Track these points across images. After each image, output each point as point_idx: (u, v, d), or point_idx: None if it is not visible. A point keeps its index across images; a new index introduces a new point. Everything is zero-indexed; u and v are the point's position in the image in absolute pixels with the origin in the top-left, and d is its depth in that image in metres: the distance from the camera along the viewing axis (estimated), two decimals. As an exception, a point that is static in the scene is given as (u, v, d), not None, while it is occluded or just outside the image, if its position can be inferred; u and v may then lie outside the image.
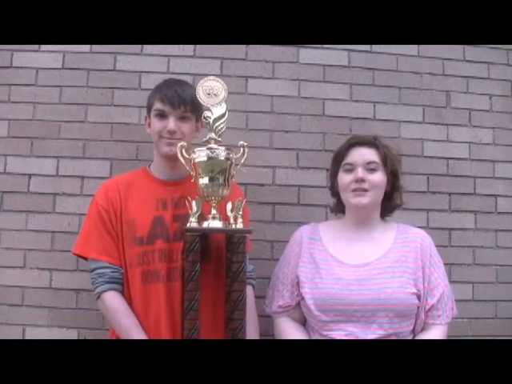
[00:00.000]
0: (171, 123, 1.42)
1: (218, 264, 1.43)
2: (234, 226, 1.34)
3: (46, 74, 1.87)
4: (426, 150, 1.95)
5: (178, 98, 1.41)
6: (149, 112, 1.50)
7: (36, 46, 1.87)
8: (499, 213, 1.95)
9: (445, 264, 1.46)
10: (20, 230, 1.80)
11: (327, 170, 1.63)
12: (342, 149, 1.45)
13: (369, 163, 1.39)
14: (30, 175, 1.83)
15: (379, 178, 1.40)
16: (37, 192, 1.82)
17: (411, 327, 1.37)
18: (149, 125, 1.51)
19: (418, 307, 1.36)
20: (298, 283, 1.41)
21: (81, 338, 1.77)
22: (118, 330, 1.41)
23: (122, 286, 1.43)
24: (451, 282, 1.45)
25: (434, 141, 1.95)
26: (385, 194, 1.44)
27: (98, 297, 1.42)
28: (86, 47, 1.87)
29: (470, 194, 1.94)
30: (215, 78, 1.37)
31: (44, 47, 1.87)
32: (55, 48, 1.86)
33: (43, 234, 1.80)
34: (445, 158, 1.95)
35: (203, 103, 1.35)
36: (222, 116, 1.34)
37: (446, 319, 1.38)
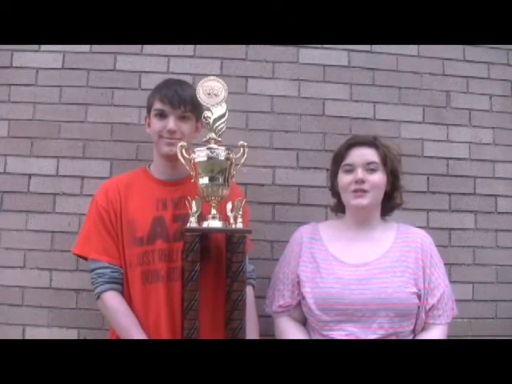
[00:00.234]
0: (171, 123, 1.42)
1: (217, 264, 1.43)
2: (233, 226, 1.34)
3: (45, 74, 1.87)
4: (426, 149, 1.95)
5: (178, 98, 1.42)
6: (149, 112, 1.50)
7: (36, 46, 1.87)
8: (499, 213, 1.95)
9: (445, 264, 1.46)
10: (20, 230, 1.80)
11: (327, 170, 1.63)
12: (342, 149, 1.45)
13: (368, 163, 1.39)
14: (29, 175, 1.83)
15: (379, 178, 1.40)
16: (37, 192, 1.82)
17: (411, 327, 1.37)
18: (149, 125, 1.51)
19: (419, 307, 1.36)
20: (298, 283, 1.41)
21: (81, 337, 1.77)
22: (117, 330, 1.41)
23: (122, 286, 1.43)
24: (451, 281, 1.45)
25: (434, 141, 1.95)
26: (385, 194, 1.44)
27: (98, 297, 1.42)
28: (86, 47, 1.87)
29: (469, 194, 1.95)
30: (215, 78, 1.37)
31: (44, 47, 1.87)
32: (55, 48, 1.86)
33: (43, 234, 1.80)
34: (445, 158, 1.95)
35: (203, 103, 1.35)
36: (222, 116, 1.34)
37: (447, 319, 1.38)
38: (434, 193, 1.93)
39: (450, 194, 1.94)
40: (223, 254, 1.43)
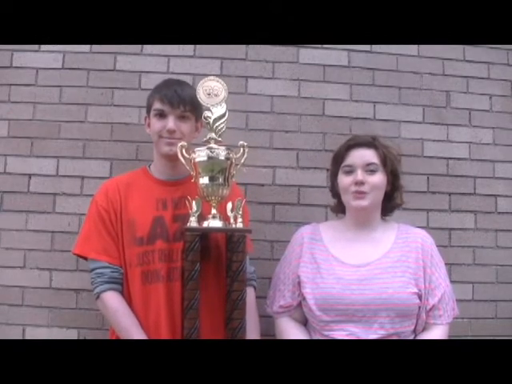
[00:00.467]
0: (170, 122, 1.42)
1: (217, 263, 1.43)
2: (233, 226, 1.34)
3: (45, 74, 1.87)
4: (426, 149, 1.95)
5: (178, 98, 1.42)
6: (148, 112, 1.50)
7: (36, 46, 1.87)
8: (499, 213, 1.95)
9: (445, 264, 1.46)
10: (20, 230, 1.80)
11: (327, 170, 1.63)
12: (342, 150, 1.44)
13: (368, 164, 1.39)
14: (29, 175, 1.83)
15: (379, 179, 1.40)
16: (37, 192, 1.82)
17: (412, 327, 1.37)
18: (148, 125, 1.51)
19: (419, 307, 1.36)
20: (299, 283, 1.41)
21: (81, 337, 1.77)
22: (117, 329, 1.40)
23: (122, 286, 1.43)
24: (451, 281, 1.45)
25: (434, 141, 1.95)
26: (385, 194, 1.44)
27: (98, 297, 1.42)
28: (86, 47, 1.87)
29: (470, 194, 1.94)
30: (215, 78, 1.37)
31: (44, 47, 1.87)
32: (55, 48, 1.86)
33: (43, 234, 1.80)
34: (445, 158, 1.95)
35: (203, 103, 1.35)
36: (222, 116, 1.34)
37: (447, 319, 1.38)
38: (434, 193, 1.93)
39: (449, 194, 1.94)
40: (223, 254, 1.43)
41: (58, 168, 1.83)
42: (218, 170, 1.33)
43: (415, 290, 1.34)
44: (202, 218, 1.34)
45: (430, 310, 1.37)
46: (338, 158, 1.45)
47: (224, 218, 1.36)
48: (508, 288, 1.92)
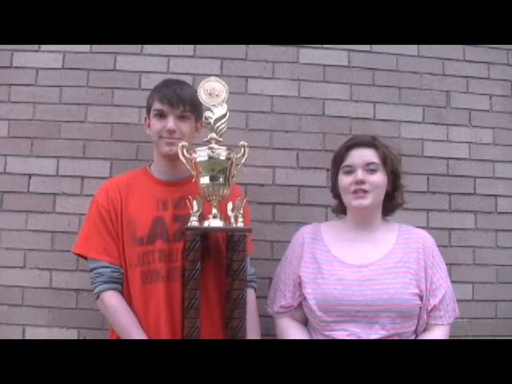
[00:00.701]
0: (170, 122, 1.42)
1: (218, 263, 1.43)
2: (234, 225, 1.34)
3: (45, 74, 1.87)
4: (426, 149, 1.95)
5: (177, 98, 1.41)
6: (148, 112, 1.50)
7: (36, 46, 1.87)
8: (499, 213, 1.95)
9: (445, 264, 1.46)
10: (20, 230, 1.80)
11: (327, 170, 1.63)
12: (342, 150, 1.44)
13: (368, 164, 1.39)
14: (29, 175, 1.83)
15: (379, 178, 1.39)
16: (37, 192, 1.82)
17: (413, 328, 1.37)
18: (148, 125, 1.51)
19: (421, 308, 1.36)
20: (299, 283, 1.41)
21: (81, 337, 1.77)
22: (117, 329, 1.40)
23: (122, 285, 1.43)
24: (451, 282, 1.45)
25: (434, 141, 1.95)
26: (386, 194, 1.44)
27: (98, 296, 1.42)
28: (86, 47, 1.87)
29: (470, 194, 1.95)
30: (216, 78, 1.37)
31: (44, 47, 1.87)
32: (55, 48, 1.86)
33: (43, 234, 1.80)
34: (445, 158, 1.95)
35: (204, 103, 1.36)
36: (223, 116, 1.35)
37: (448, 320, 1.38)
38: (434, 193, 1.93)
39: (449, 194, 1.94)
40: (224, 253, 1.43)
41: (57, 168, 1.83)
42: (219, 169, 1.34)
43: (416, 291, 1.34)
44: (202, 217, 1.35)
45: (431, 310, 1.37)
46: (338, 159, 1.45)
47: (224, 217, 1.36)
48: (508, 288, 1.92)
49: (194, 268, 1.30)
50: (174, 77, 1.65)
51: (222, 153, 1.33)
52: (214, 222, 1.34)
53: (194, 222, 1.32)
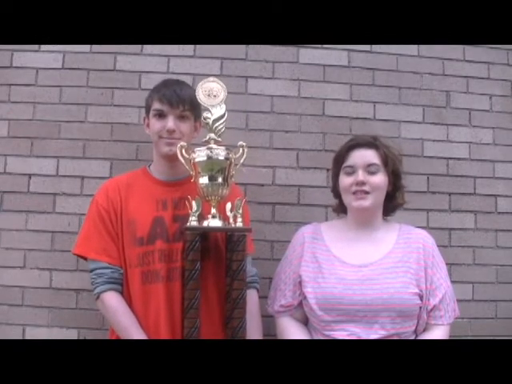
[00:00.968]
0: (170, 122, 1.42)
1: (217, 263, 1.43)
2: (233, 225, 1.34)
3: (45, 74, 1.87)
4: (426, 149, 1.95)
5: (177, 98, 1.41)
6: (147, 113, 1.50)
7: (36, 46, 1.87)
8: (499, 213, 1.95)
9: (445, 264, 1.46)
10: (20, 230, 1.80)
11: (327, 170, 1.63)
12: (342, 151, 1.44)
13: (369, 165, 1.39)
14: (29, 175, 1.83)
15: (380, 179, 1.39)
16: (37, 192, 1.82)
17: (413, 327, 1.37)
18: (147, 125, 1.51)
19: (420, 308, 1.36)
20: (300, 283, 1.41)
21: (81, 337, 1.77)
22: (117, 329, 1.41)
23: (122, 286, 1.43)
24: (451, 281, 1.45)
25: (434, 141, 1.95)
26: (387, 194, 1.44)
27: (98, 297, 1.42)
28: (86, 47, 1.87)
29: (470, 194, 1.95)
30: (215, 79, 1.37)
31: (44, 47, 1.87)
32: (55, 48, 1.86)
33: (43, 234, 1.80)
34: (445, 158, 1.95)
35: (203, 104, 1.35)
36: (222, 117, 1.35)
37: (448, 320, 1.38)
38: (434, 193, 1.93)
39: (449, 194, 1.94)
40: (223, 253, 1.43)
41: (58, 168, 1.83)
42: (218, 169, 1.34)
43: (416, 291, 1.34)
44: (201, 217, 1.35)
45: (431, 310, 1.37)
46: (339, 159, 1.45)
47: (224, 217, 1.36)
48: (508, 288, 1.92)
49: (193, 268, 1.30)
50: (174, 77, 1.65)
51: (220, 153, 1.33)
52: (213, 222, 1.34)
53: (193, 221, 1.31)
